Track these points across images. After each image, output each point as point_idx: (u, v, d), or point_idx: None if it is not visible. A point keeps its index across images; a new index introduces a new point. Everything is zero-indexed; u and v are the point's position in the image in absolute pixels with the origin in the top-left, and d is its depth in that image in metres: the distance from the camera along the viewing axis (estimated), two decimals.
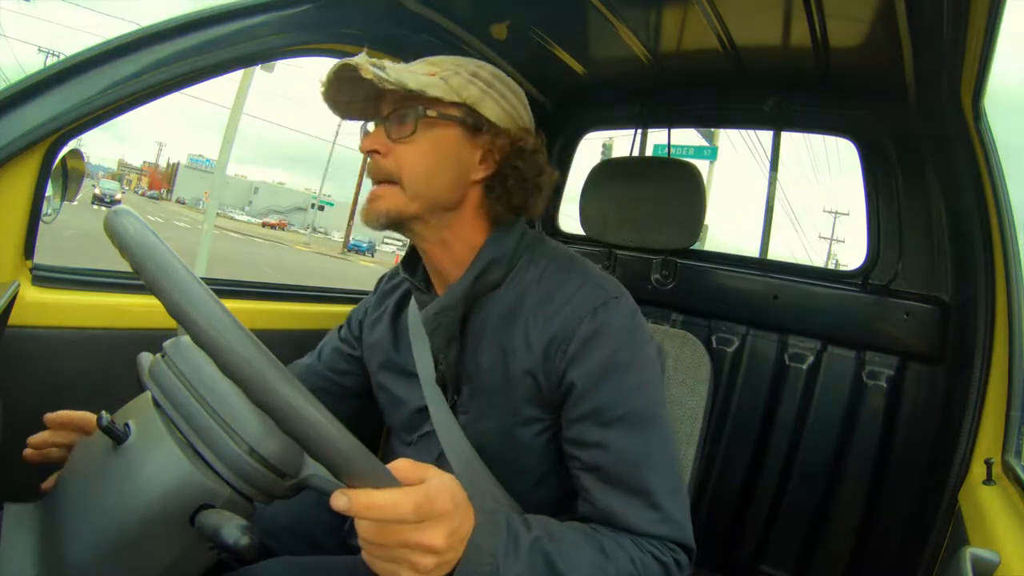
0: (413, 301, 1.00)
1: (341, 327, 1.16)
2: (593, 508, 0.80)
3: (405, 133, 0.83)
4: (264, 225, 56.53)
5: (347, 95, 0.86)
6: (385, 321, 1.05)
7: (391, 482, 0.66)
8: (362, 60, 0.78)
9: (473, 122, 0.85)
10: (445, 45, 1.45)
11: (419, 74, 0.82)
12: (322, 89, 0.84)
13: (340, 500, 0.56)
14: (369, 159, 0.86)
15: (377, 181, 0.86)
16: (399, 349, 1.00)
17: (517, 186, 0.88)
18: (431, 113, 0.83)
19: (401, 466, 0.61)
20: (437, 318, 0.88)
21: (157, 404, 0.69)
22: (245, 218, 60.80)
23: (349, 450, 0.61)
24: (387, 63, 0.82)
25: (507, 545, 0.66)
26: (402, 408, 0.99)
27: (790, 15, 1.19)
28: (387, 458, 1.05)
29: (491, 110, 0.86)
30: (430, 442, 0.93)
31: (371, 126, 0.90)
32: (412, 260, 0.97)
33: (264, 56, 1.13)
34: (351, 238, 39.42)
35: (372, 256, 45.79)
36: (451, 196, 0.87)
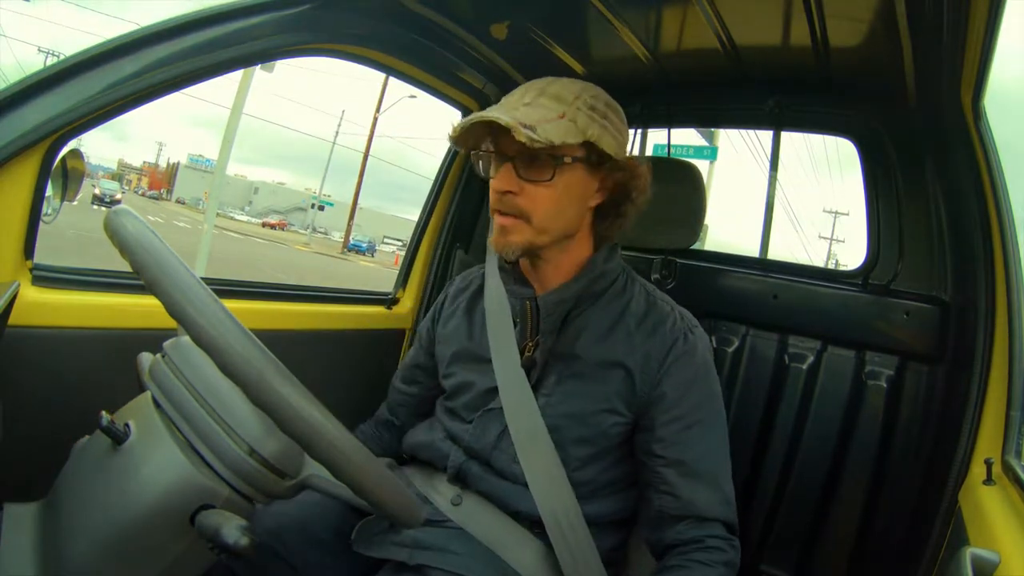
0: (491, 293, 1.10)
1: (409, 354, 1.29)
2: (674, 499, 0.97)
3: (542, 177, 0.92)
4: (264, 225, 56.44)
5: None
6: (459, 315, 1.16)
7: (389, 480, 0.66)
8: (512, 121, 0.85)
9: (596, 158, 0.95)
10: (445, 45, 1.45)
11: (554, 119, 0.90)
12: (454, 135, 0.93)
13: None
14: (496, 193, 0.95)
15: (505, 214, 0.95)
16: (472, 337, 1.11)
17: (628, 208, 1.02)
18: (566, 160, 0.93)
19: None
20: (555, 307, 1.00)
21: (157, 404, 0.69)
22: (245, 218, 60.76)
23: (349, 449, 0.61)
24: (520, 113, 0.89)
25: None
26: (470, 390, 1.08)
27: (790, 15, 1.19)
28: (440, 437, 1.10)
29: (609, 144, 0.95)
30: (492, 420, 1.04)
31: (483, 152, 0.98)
32: None
33: (264, 56, 1.13)
34: (351, 238, 39.37)
35: (372, 256, 45.73)
36: (573, 227, 1.00)
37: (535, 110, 0.91)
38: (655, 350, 1.00)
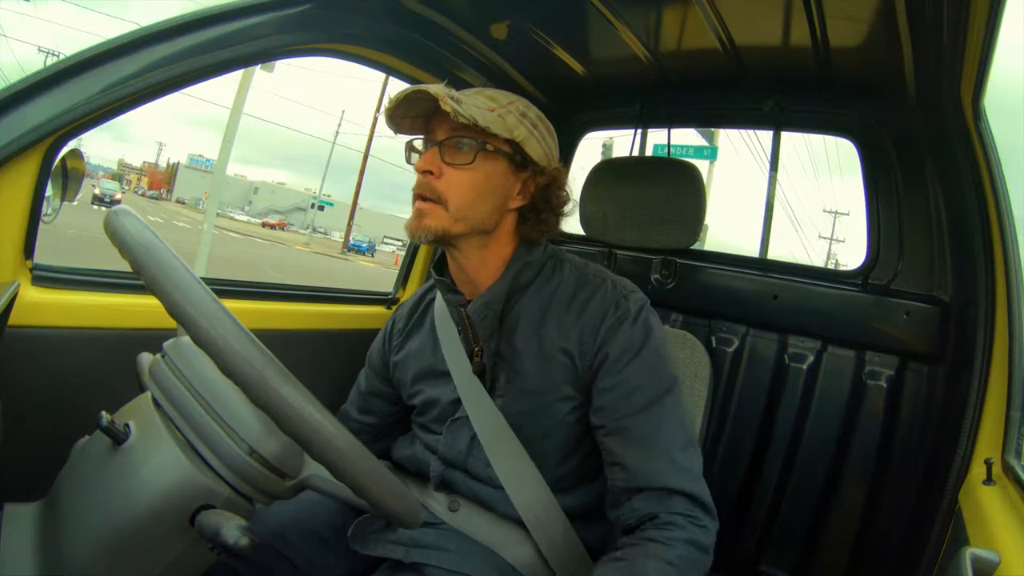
0: (436, 308, 1.11)
1: (360, 382, 1.25)
2: (622, 469, 0.91)
3: (463, 161, 0.94)
4: (264, 225, 56.42)
5: (402, 112, 0.95)
6: (413, 335, 1.16)
7: (389, 480, 0.66)
8: (441, 91, 0.88)
9: (520, 159, 0.98)
10: (445, 45, 1.45)
11: (484, 109, 0.93)
12: (388, 107, 0.93)
13: None
14: (419, 176, 0.96)
15: (423, 198, 0.95)
16: (425, 354, 1.11)
17: (549, 216, 1.03)
18: (489, 147, 0.95)
19: None
20: (484, 310, 1.00)
21: (157, 404, 0.69)
22: (245, 218, 60.73)
23: (348, 449, 0.61)
24: (454, 92, 0.90)
25: None
26: (436, 405, 1.07)
27: (790, 15, 1.19)
28: (417, 455, 1.10)
29: (534, 150, 0.98)
30: (461, 428, 1.04)
31: (417, 143, 1.01)
32: (441, 266, 1.08)
33: (264, 56, 1.13)
34: (351, 238, 39.35)
35: (372, 256, 45.71)
36: (490, 221, 0.99)
37: (468, 98, 0.94)
38: (588, 326, 0.98)
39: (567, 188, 1.05)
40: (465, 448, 1.03)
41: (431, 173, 0.94)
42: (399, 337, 1.19)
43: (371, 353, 1.24)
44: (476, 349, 1.03)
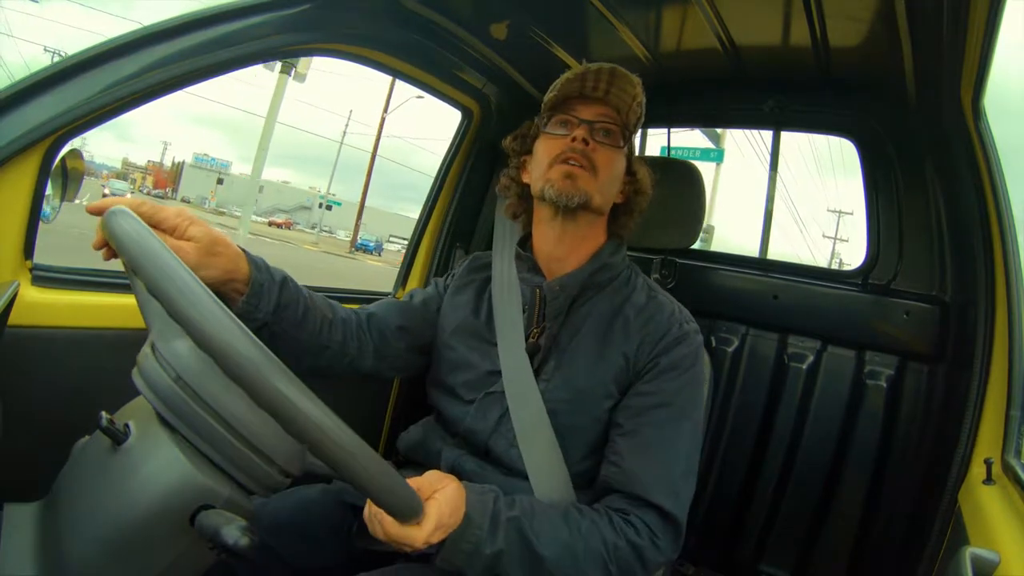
0: (499, 278, 1.14)
1: (428, 286, 1.27)
2: (619, 470, 0.95)
3: (615, 143, 1.05)
4: (271, 224, 56.31)
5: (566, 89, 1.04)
6: (469, 291, 1.18)
7: (391, 475, 0.66)
8: (637, 80, 1.04)
9: (629, 163, 1.10)
10: (445, 45, 1.45)
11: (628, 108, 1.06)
12: (570, 76, 1.03)
13: (375, 527, 0.76)
14: (570, 144, 1.02)
15: (576, 163, 1.02)
16: (479, 316, 1.13)
17: (637, 215, 1.14)
18: (627, 139, 1.08)
19: (422, 483, 0.77)
20: (560, 290, 1.05)
21: (155, 410, 0.69)
22: (252, 217, 60.57)
23: (350, 445, 0.61)
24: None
25: (489, 525, 0.80)
26: (469, 369, 1.09)
27: (790, 15, 1.19)
28: (432, 436, 1.11)
29: (633, 152, 1.12)
30: (493, 403, 1.04)
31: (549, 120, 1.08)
32: (523, 244, 1.15)
33: (264, 56, 1.13)
34: (358, 237, 39.34)
35: (379, 255, 45.64)
36: (608, 205, 1.08)
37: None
38: (651, 335, 1.02)
39: (650, 185, 1.14)
40: (493, 424, 1.03)
41: (587, 143, 1.02)
42: (458, 283, 1.20)
43: (437, 281, 1.25)
44: (535, 330, 1.06)
